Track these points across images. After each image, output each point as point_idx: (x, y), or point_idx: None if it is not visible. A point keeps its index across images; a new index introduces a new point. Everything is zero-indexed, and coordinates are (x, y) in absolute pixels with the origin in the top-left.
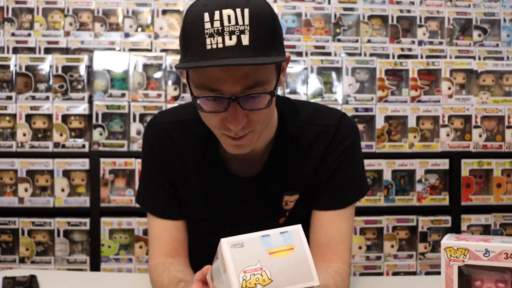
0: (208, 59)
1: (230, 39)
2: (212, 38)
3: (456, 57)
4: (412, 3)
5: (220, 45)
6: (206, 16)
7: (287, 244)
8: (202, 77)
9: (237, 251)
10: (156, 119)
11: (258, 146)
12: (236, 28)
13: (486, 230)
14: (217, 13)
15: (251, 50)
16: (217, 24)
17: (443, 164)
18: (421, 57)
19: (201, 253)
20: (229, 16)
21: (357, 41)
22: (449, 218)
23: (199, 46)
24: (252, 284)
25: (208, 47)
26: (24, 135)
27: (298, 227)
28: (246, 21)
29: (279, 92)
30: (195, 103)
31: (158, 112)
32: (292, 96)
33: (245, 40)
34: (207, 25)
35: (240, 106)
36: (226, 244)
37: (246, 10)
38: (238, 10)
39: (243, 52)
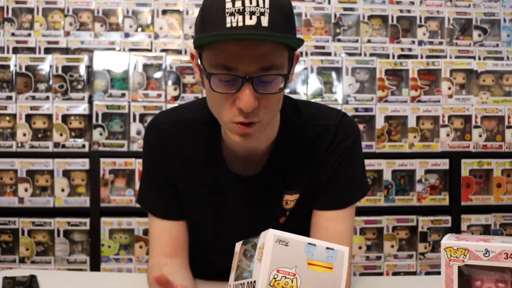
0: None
1: (250, 18)
2: (232, 17)
3: (456, 57)
4: (412, 3)
5: (240, 24)
6: None
7: (328, 262)
8: (219, 56)
9: (280, 248)
10: (157, 120)
11: (261, 145)
12: (257, 9)
13: (486, 230)
14: None
15: (269, 32)
16: (238, 4)
17: (443, 164)
18: (421, 57)
19: (201, 252)
20: None
21: (357, 41)
22: (449, 218)
23: (219, 25)
24: (279, 285)
25: (228, 25)
26: (24, 135)
27: (346, 249)
28: (267, 5)
29: None
30: (208, 83)
31: (159, 113)
32: (292, 96)
33: (265, 21)
34: (228, 5)
35: (253, 87)
36: (272, 236)
37: None
38: None
39: (262, 32)
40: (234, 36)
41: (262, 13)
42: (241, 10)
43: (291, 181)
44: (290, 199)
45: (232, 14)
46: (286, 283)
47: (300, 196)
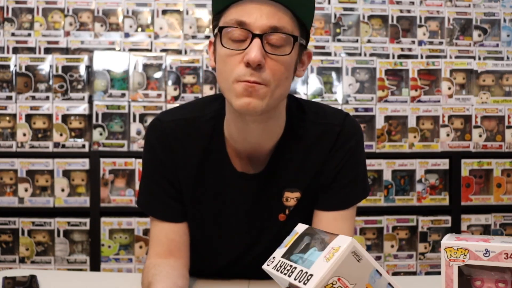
0: None
1: None
2: None
3: (456, 57)
4: (412, 3)
5: None
6: None
7: None
8: (233, 13)
9: (351, 260)
10: (159, 120)
11: (267, 142)
12: None
13: (486, 230)
14: None
15: None
16: None
17: (443, 164)
18: (421, 57)
19: (202, 250)
20: None
21: (357, 41)
22: (449, 218)
23: None
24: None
25: None
26: (24, 135)
27: None
28: None
29: None
30: (219, 40)
31: (160, 113)
32: (296, 96)
33: None
34: None
35: (262, 44)
36: (351, 246)
37: None
38: None
39: None
40: None
41: None
42: None
43: (292, 179)
44: (290, 196)
45: None
46: None
47: (301, 195)
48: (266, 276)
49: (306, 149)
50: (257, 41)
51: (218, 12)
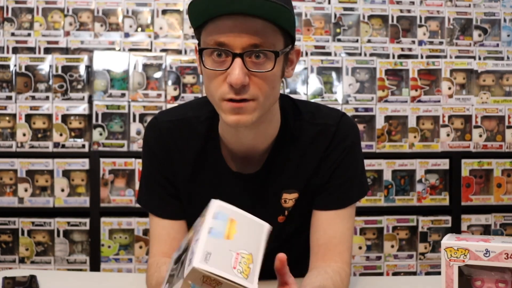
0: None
1: None
2: None
3: (456, 57)
4: (412, 3)
5: None
6: None
7: (227, 220)
8: (212, 32)
9: (213, 260)
10: (156, 119)
11: (261, 143)
12: None
13: (486, 230)
14: None
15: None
16: None
17: (443, 164)
18: (421, 57)
19: None
20: None
21: (357, 41)
22: (449, 218)
23: None
24: (246, 268)
25: None
26: (24, 135)
27: (216, 202)
28: None
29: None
30: (201, 60)
31: (158, 112)
32: (292, 96)
33: None
34: None
35: (244, 63)
36: (200, 264)
37: None
38: None
39: (260, 3)
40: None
41: None
42: None
43: (290, 180)
44: (289, 198)
45: None
46: (245, 262)
47: (299, 195)
48: (265, 277)
49: (303, 150)
50: (238, 61)
51: (197, 27)
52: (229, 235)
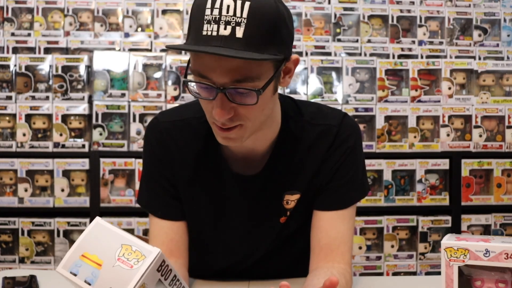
0: (201, 45)
1: (225, 28)
2: (209, 25)
3: (456, 57)
4: (412, 3)
5: (214, 33)
6: (209, 2)
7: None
8: (196, 63)
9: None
10: (157, 119)
11: (262, 146)
12: (233, 19)
13: (486, 230)
14: (218, 1)
15: (243, 44)
16: (216, 12)
17: (443, 164)
18: (421, 57)
19: (200, 252)
20: (228, 6)
21: (357, 41)
22: (449, 218)
23: (197, 31)
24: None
25: (204, 33)
26: (24, 135)
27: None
28: (245, 14)
29: (280, 91)
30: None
31: (159, 112)
32: (292, 96)
33: (239, 32)
34: (208, 11)
35: (227, 98)
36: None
37: (247, 4)
38: (239, 2)
39: (234, 44)
40: (201, 48)
41: (238, 23)
42: (217, 19)
43: (291, 181)
44: (291, 199)
45: (209, 22)
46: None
47: (301, 196)
48: (266, 277)
49: (304, 150)
50: (221, 96)
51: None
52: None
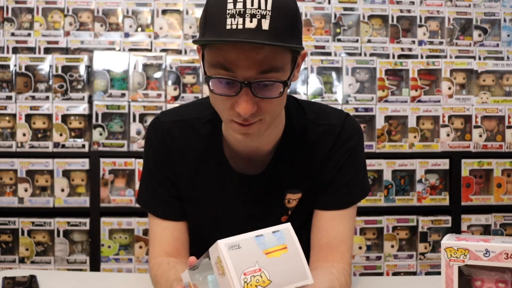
0: (226, 38)
1: (251, 21)
2: (233, 19)
3: (456, 57)
4: (412, 3)
5: (240, 26)
6: None
7: (281, 244)
8: (218, 56)
9: (235, 253)
10: (159, 119)
11: (267, 145)
12: (258, 12)
13: (486, 230)
14: None
15: (269, 36)
16: (239, 5)
17: (443, 164)
18: (421, 57)
19: (201, 252)
20: (252, 0)
21: (357, 41)
22: (449, 218)
23: (219, 26)
24: (253, 286)
25: (228, 27)
26: (24, 135)
27: (288, 226)
28: (269, 7)
29: None
30: (207, 84)
31: (160, 112)
32: (294, 96)
33: (265, 24)
34: (230, 6)
35: (252, 92)
36: (223, 246)
37: None
38: None
39: (262, 36)
40: (232, 41)
41: (263, 16)
42: (241, 12)
43: (294, 180)
44: (292, 198)
45: (232, 15)
46: (258, 281)
47: (302, 195)
48: None
49: (307, 150)
50: (246, 91)
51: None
52: (269, 253)
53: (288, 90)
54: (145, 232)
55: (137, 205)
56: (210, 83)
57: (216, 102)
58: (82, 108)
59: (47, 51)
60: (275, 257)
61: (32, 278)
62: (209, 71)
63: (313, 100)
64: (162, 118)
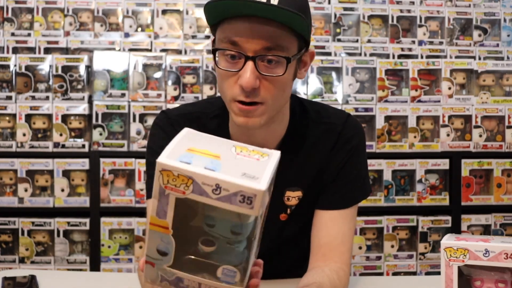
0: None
1: None
2: None
3: (456, 57)
4: (412, 3)
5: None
6: None
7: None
8: (227, 31)
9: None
10: (165, 113)
11: (272, 141)
12: None
13: (486, 230)
14: None
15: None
16: None
17: (443, 164)
18: (421, 57)
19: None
20: None
21: (357, 41)
22: (449, 218)
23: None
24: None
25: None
26: (24, 135)
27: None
28: None
29: None
30: (214, 61)
31: (166, 109)
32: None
33: (275, 1)
34: None
35: (256, 67)
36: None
37: None
38: None
39: (272, 8)
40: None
41: None
42: None
43: (293, 178)
44: (292, 196)
45: None
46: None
47: (303, 194)
48: (266, 276)
49: (308, 148)
50: (250, 64)
51: (212, 24)
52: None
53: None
54: (145, 232)
55: (137, 205)
56: (216, 58)
57: (222, 79)
58: (82, 108)
59: (47, 51)
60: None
61: (32, 278)
62: (217, 46)
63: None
64: (169, 112)
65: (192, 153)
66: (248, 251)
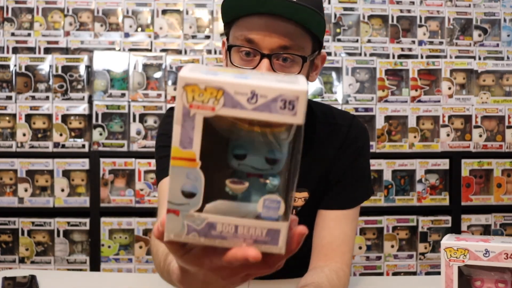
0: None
1: None
2: None
3: (456, 57)
4: (412, 3)
5: None
6: None
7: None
8: (243, 28)
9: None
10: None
11: None
12: None
13: (486, 230)
14: None
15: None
16: None
17: (443, 164)
18: (421, 57)
19: None
20: None
21: (357, 41)
22: (449, 218)
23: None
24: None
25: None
26: (24, 135)
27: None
28: None
29: None
30: (229, 56)
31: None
32: None
33: None
34: None
35: (271, 65)
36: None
37: None
38: None
39: (290, 4)
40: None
41: None
42: None
43: (300, 179)
44: (297, 196)
45: None
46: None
47: (309, 195)
48: (267, 276)
49: (314, 149)
50: (265, 62)
51: (227, 22)
52: None
53: None
54: (145, 232)
55: (137, 205)
56: (231, 54)
57: None
58: (82, 108)
59: (47, 51)
60: None
61: (32, 278)
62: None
63: (316, 100)
64: None
65: (215, 71)
66: (287, 181)
